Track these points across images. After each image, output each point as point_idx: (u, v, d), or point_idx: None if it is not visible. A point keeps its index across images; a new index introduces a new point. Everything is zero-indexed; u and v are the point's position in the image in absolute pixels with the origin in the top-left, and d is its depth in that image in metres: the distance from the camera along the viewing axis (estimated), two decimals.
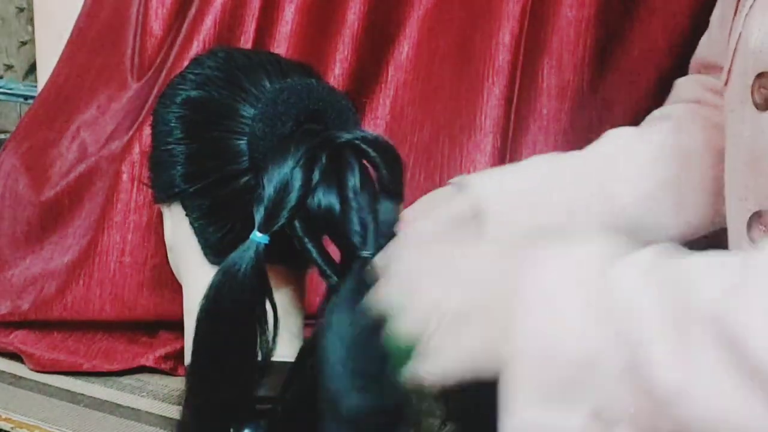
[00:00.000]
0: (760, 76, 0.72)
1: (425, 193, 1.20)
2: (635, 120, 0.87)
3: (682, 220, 0.86)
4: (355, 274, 0.72)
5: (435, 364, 0.62)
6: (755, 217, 0.73)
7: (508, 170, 0.92)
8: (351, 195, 0.73)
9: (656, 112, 0.93)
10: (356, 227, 0.73)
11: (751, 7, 0.74)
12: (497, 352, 0.58)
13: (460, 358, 0.61)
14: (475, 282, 0.62)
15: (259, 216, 0.73)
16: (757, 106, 0.72)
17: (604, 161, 0.88)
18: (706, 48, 0.93)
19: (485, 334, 0.60)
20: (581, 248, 0.59)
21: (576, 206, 0.85)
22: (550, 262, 0.59)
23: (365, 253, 0.72)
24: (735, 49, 0.76)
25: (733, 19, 0.78)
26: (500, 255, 0.64)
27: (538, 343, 0.56)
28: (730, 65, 0.76)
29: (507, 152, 1.19)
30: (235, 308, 0.74)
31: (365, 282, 0.70)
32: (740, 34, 0.75)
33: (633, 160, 0.87)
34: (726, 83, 0.77)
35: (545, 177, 0.86)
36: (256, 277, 0.73)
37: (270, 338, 0.77)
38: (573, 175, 0.86)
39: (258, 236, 0.73)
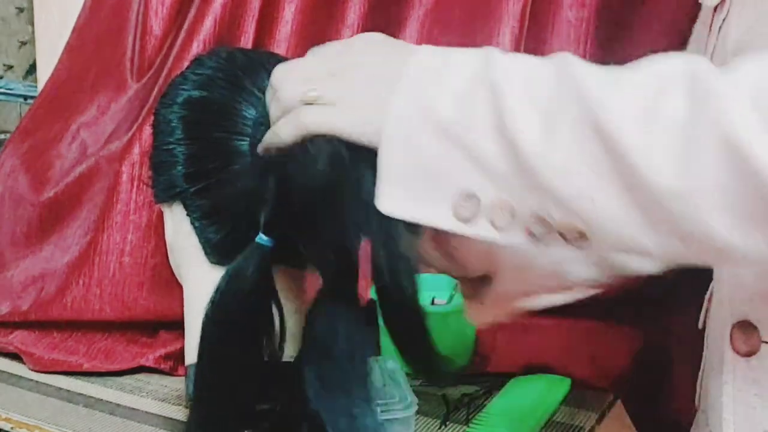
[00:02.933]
0: None
1: None
2: None
3: None
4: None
5: (300, 122, 0.62)
6: None
7: None
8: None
9: None
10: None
11: (724, 19, 0.74)
12: (370, 127, 0.60)
13: (335, 122, 0.61)
14: (362, 63, 0.62)
15: (264, 219, 0.74)
16: None
17: None
18: None
19: (363, 104, 0.60)
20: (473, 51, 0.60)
21: None
22: (437, 51, 0.60)
23: None
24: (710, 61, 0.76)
25: (707, 37, 0.78)
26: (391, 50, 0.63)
27: (409, 113, 0.57)
28: None
29: None
30: (242, 312, 0.74)
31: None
32: (715, 45, 0.76)
33: None
34: None
35: None
36: (262, 279, 0.73)
37: (276, 341, 0.77)
38: None
39: (263, 239, 0.73)
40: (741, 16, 0.73)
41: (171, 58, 1.14)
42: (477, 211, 0.57)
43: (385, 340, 1.16)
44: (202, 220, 0.81)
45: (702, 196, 0.52)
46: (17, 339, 1.14)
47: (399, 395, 0.95)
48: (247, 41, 1.14)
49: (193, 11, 1.15)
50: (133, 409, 1.04)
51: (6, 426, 1.00)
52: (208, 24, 1.13)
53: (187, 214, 0.82)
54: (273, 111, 0.66)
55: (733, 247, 0.53)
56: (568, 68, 0.56)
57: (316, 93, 0.62)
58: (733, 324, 0.69)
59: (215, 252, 0.82)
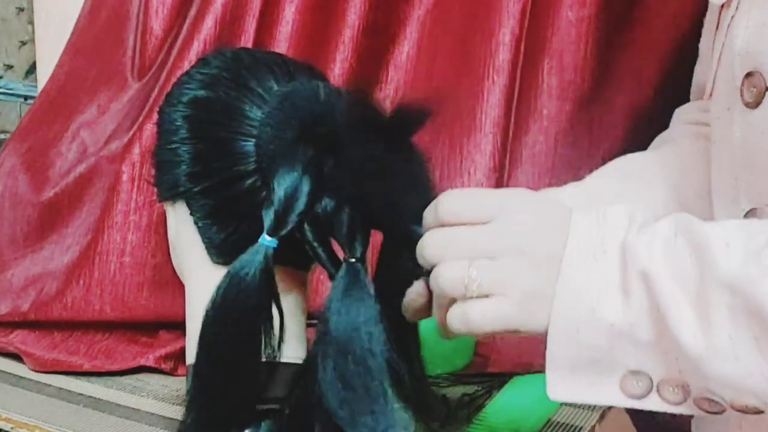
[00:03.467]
0: (748, 75, 0.73)
1: None
2: (636, 120, 0.87)
3: None
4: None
5: (468, 319, 0.63)
6: (749, 216, 0.74)
7: None
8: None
9: (659, 137, 0.94)
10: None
11: (732, 17, 0.75)
12: (535, 319, 0.63)
13: (501, 319, 0.63)
14: (520, 246, 0.63)
15: (268, 220, 0.73)
16: (748, 105, 0.73)
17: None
18: (700, 75, 0.94)
19: (527, 295, 0.62)
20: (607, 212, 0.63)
21: None
22: (591, 225, 0.62)
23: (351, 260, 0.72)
24: (719, 59, 0.77)
25: (716, 34, 0.79)
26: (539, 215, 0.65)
27: (570, 316, 0.61)
28: (714, 76, 0.77)
29: (507, 152, 1.19)
30: (243, 312, 0.74)
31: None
32: (723, 43, 0.76)
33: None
34: (711, 94, 0.77)
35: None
36: (265, 280, 0.73)
37: (276, 341, 0.77)
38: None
39: (267, 240, 0.73)
40: (750, 16, 0.73)
41: (172, 58, 1.14)
42: (649, 387, 0.61)
43: None
44: (206, 220, 0.81)
45: None
46: (17, 339, 1.14)
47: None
48: (247, 41, 1.14)
49: (193, 11, 1.15)
50: (133, 409, 1.04)
51: (6, 426, 1.00)
52: (208, 23, 1.13)
53: (191, 214, 0.82)
54: (434, 286, 0.66)
55: None
56: (704, 252, 0.58)
57: (478, 289, 0.62)
58: None
59: (218, 252, 0.82)
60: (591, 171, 0.90)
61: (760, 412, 0.59)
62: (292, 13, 1.16)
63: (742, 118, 0.74)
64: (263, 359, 0.77)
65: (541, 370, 1.11)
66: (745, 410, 0.59)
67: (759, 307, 0.55)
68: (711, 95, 0.78)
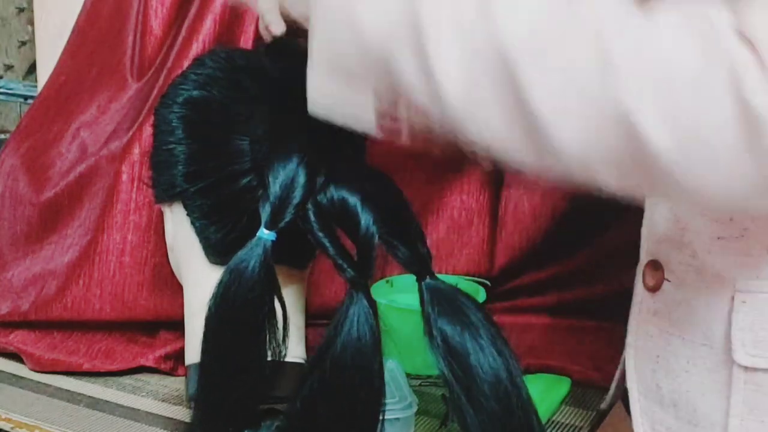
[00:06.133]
0: None
1: (425, 193, 1.20)
2: None
3: None
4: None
5: None
6: None
7: None
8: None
9: None
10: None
11: None
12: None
13: None
14: None
15: (265, 214, 0.74)
16: None
17: None
18: None
19: None
20: None
21: None
22: None
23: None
24: None
25: None
26: None
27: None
28: None
29: None
30: (244, 307, 0.74)
31: None
32: None
33: None
34: None
35: None
36: (265, 274, 0.73)
37: (280, 337, 0.77)
38: None
39: (265, 234, 0.73)
40: None
41: (171, 58, 1.14)
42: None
43: (385, 340, 1.16)
44: (202, 220, 0.81)
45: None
46: (17, 339, 1.14)
47: (399, 395, 0.95)
48: (247, 41, 1.14)
49: (193, 11, 1.15)
50: (133, 409, 1.04)
51: (6, 426, 1.00)
52: (208, 24, 1.13)
53: (187, 214, 0.82)
54: None
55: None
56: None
57: None
58: (645, 263, 0.78)
59: (215, 252, 0.82)
60: None
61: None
62: None
63: None
64: (269, 355, 0.77)
65: (541, 370, 1.13)
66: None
67: (514, 72, 0.57)
68: None
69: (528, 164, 0.61)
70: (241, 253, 0.74)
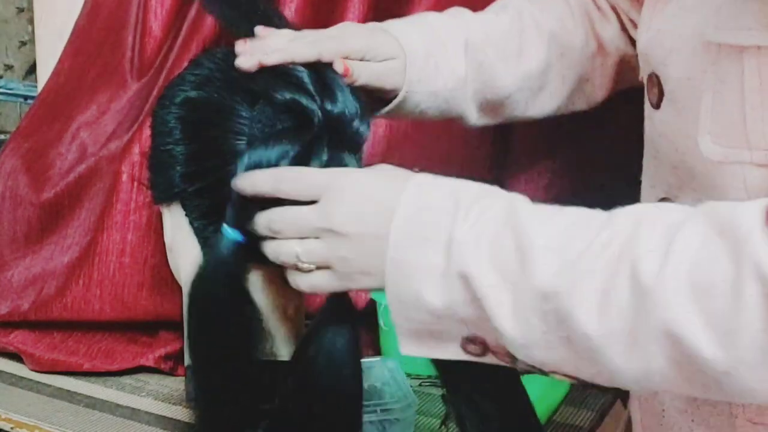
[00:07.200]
0: (650, 77, 0.77)
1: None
2: (637, 115, 0.87)
3: None
4: None
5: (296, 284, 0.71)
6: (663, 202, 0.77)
7: None
8: None
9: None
10: None
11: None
12: (363, 285, 0.69)
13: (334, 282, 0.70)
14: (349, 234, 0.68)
15: (229, 211, 0.74)
16: (652, 104, 0.77)
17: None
18: None
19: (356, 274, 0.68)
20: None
21: None
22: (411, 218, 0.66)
23: None
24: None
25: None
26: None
27: (400, 296, 0.65)
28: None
29: (507, 152, 1.19)
30: (213, 303, 0.74)
31: None
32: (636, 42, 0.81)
33: None
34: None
35: None
36: (231, 268, 0.74)
37: (264, 338, 0.77)
38: None
39: (229, 231, 0.74)
40: (650, 19, 0.78)
41: (171, 59, 1.14)
42: (485, 350, 0.66)
43: (385, 340, 1.16)
44: (201, 220, 0.81)
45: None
46: (17, 339, 1.14)
47: (399, 395, 0.95)
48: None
49: (192, 11, 1.15)
50: (133, 409, 1.04)
51: (6, 426, 1.00)
52: (208, 24, 1.13)
53: (186, 215, 0.82)
54: (273, 258, 0.72)
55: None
56: (527, 254, 0.62)
57: (307, 265, 0.70)
58: None
59: None
60: None
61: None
62: (292, 13, 1.16)
63: (650, 116, 0.78)
64: (259, 357, 0.77)
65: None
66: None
67: (566, 315, 0.60)
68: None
69: (606, 383, 0.64)
70: (204, 253, 0.75)
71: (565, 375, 0.65)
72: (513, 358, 0.65)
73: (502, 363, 0.66)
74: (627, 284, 0.58)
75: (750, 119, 0.60)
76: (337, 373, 0.72)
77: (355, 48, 0.81)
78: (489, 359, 0.66)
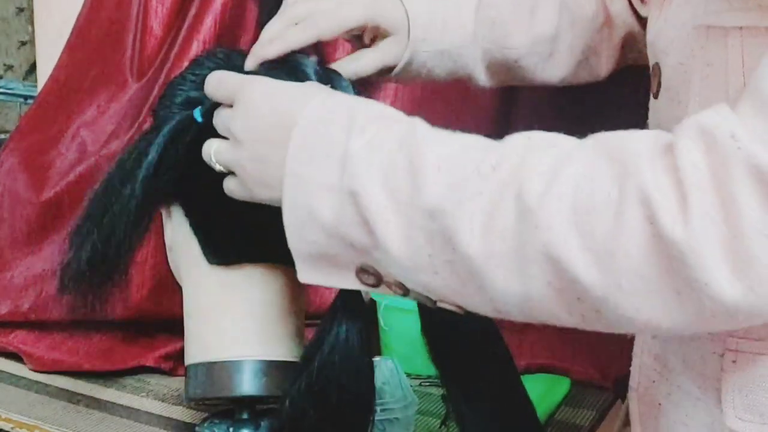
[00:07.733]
0: (653, 67, 0.77)
1: None
2: (637, 112, 0.86)
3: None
4: None
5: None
6: None
7: None
8: None
9: None
10: None
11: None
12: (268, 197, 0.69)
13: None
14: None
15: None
16: (653, 95, 0.77)
17: None
18: None
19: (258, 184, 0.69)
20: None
21: None
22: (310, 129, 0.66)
23: None
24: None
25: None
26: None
27: (296, 213, 0.65)
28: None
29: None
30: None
31: None
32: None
33: None
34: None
35: None
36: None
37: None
38: None
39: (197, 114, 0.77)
40: (659, 11, 0.77)
41: (171, 58, 1.14)
42: (379, 281, 0.66)
43: (386, 340, 1.16)
44: (201, 221, 0.81)
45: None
46: (17, 339, 1.14)
47: (399, 395, 0.95)
48: (247, 41, 1.14)
49: (193, 11, 1.15)
50: (133, 409, 1.04)
51: (6, 426, 1.00)
52: (208, 24, 1.13)
53: (186, 215, 0.82)
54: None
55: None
56: (417, 173, 0.61)
57: (219, 165, 0.72)
58: None
59: (214, 252, 0.82)
60: None
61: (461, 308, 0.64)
62: None
63: (650, 105, 0.78)
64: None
65: (541, 370, 1.12)
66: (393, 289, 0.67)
67: (451, 235, 0.59)
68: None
69: (489, 313, 0.63)
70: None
71: (452, 304, 0.64)
72: (404, 289, 0.65)
73: (395, 294, 0.66)
74: (512, 206, 0.58)
75: (732, 101, 0.59)
76: (354, 370, 0.72)
77: (353, 20, 0.82)
78: (382, 290, 0.66)
